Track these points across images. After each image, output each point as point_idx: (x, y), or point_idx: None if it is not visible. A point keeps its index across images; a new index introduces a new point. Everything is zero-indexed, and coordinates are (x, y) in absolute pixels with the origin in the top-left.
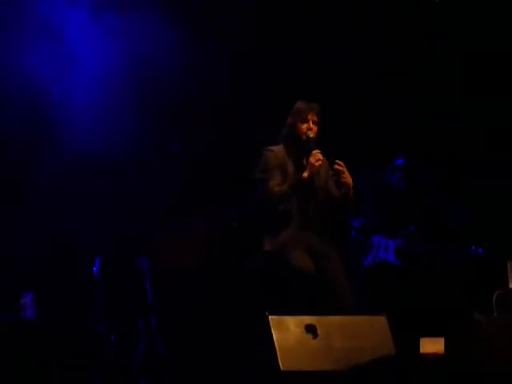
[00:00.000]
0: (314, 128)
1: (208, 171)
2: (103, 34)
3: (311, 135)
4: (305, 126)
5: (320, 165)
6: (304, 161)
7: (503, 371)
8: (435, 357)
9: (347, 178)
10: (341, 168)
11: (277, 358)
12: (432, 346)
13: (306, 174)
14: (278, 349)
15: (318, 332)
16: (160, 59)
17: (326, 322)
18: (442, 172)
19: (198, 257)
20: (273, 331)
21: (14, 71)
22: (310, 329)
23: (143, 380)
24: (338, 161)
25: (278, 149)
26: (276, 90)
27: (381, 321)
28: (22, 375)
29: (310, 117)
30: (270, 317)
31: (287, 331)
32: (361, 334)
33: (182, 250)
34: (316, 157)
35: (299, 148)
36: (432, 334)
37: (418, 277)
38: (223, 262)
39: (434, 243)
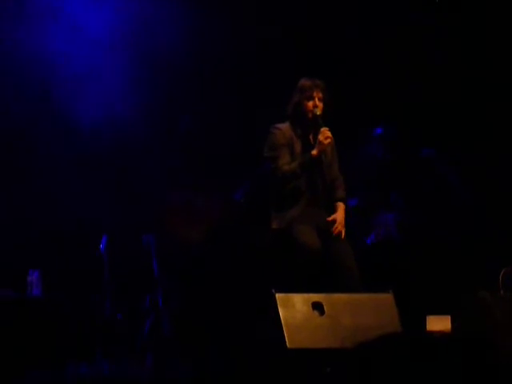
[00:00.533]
0: (320, 105)
1: (216, 147)
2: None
3: (318, 112)
4: (310, 103)
5: (329, 142)
6: (311, 138)
7: (510, 349)
8: (442, 334)
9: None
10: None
11: (283, 336)
12: (438, 323)
13: (315, 152)
14: (284, 326)
15: (325, 309)
16: (168, 33)
17: (332, 300)
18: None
19: (205, 234)
20: (279, 309)
21: (14, 46)
22: (317, 306)
23: (149, 357)
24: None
25: (285, 127)
26: (284, 66)
27: (387, 298)
28: (28, 352)
29: (315, 94)
30: (276, 294)
31: (294, 309)
32: (367, 311)
33: (189, 226)
34: (325, 134)
35: (306, 126)
36: (438, 311)
37: (421, 252)
38: (230, 240)
39: (432, 213)
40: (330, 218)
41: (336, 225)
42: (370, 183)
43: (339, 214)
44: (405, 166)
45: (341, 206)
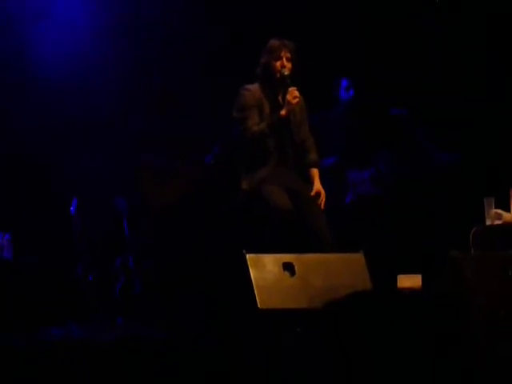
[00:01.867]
0: (288, 65)
1: (186, 110)
2: None
3: (286, 72)
4: (278, 63)
5: (297, 102)
6: (280, 99)
7: (480, 309)
8: (412, 291)
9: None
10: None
11: (254, 296)
12: (409, 282)
13: (283, 112)
14: (255, 287)
15: (296, 270)
16: None
17: (303, 260)
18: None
19: (176, 196)
20: (250, 269)
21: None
22: (288, 267)
23: (120, 318)
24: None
25: (254, 88)
26: (256, 29)
27: (358, 258)
28: None
29: (283, 54)
30: (247, 255)
31: (264, 269)
32: (338, 271)
33: (160, 188)
34: (293, 94)
35: (274, 86)
36: (409, 271)
37: (397, 209)
38: (201, 201)
39: (404, 172)
40: (313, 193)
41: (321, 198)
42: (342, 141)
43: (318, 184)
44: (376, 124)
45: (316, 174)
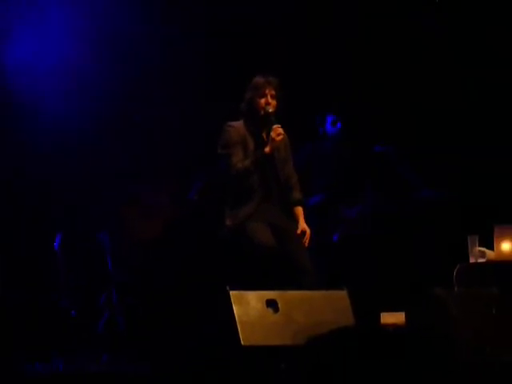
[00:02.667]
0: (273, 102)
1: (169, 145)
2: None
3: (270, 110)
4: (263, 100)
5: (281, 139)
6: (264, 136)
7: (466, 344)
8: (395, 327)
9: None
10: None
11: (238, 333)
12: (392, 319)
13: (267, 149)
14: (238, 324)
15: (279, 307)
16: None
17: (286, 297)
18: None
19: (158, 231)
20: (234, 306)
21: None
22: (271, 304)
23: (104, 354)
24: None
25: (238, 124)
26: (239, 64)
27: (342, 296)
28: None
29: (267, 91)
30: (230, 292)
31: (248, 306)
32: (322, 308)
33: (142, 224)
34: (277, 131)
35: (259, 123)
36: (393, 309)
37: (381, 246)
38: (184, 236)
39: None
40: (298, 231)
41: (306, 236)
42: (329, 175)
43: (303, 223)
44: (361, 161)
45: (300, 212)
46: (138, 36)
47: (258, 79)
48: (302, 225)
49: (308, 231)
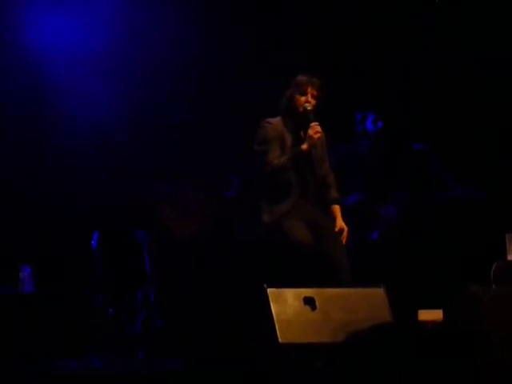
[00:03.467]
0: (313, 102)
1: (207, 142)
2: None
3: (309, 107)
4: (303, 98)
5: (319, 137)
6: (302, 133)
7: (501, 344)
8: (433, 324)
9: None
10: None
11: (275, 331)
12: (430, 316)
13: (304, 147)
14: (276, 321)
15: (317, 304)
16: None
17: (324, 295)
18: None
19: (197, 228)
20: (271, 304)
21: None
22: (309, 301)
23: (141, 353)
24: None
25: (276, 121)
26: (278, 61)
27: (379, 293)
28: (21, 349)
29: (309, 90)
30: (268, 289)
31: (286, 304)
32: (359, 306)
33: (181, 221)
34: (315, 129)
35: (297, 120)
36: (430, 306)
37: (416, 246)
38: (222, 234)
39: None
40: (337, 229)
41: (344, 235)
42: (366, 178)
43: (341, 221)
44: (399, 160)
45: (338, 210)
46: (183, 34)
47: (301, 78)
48: (340, 223)
49: (346, 229)
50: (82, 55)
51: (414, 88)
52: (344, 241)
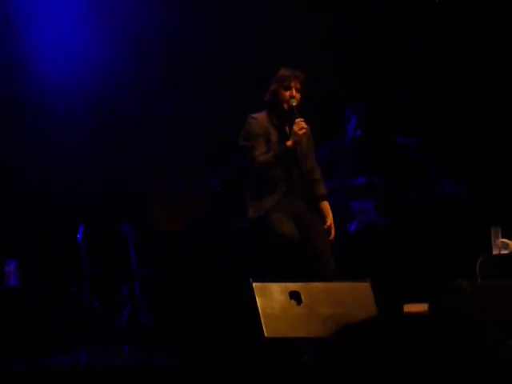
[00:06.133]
0: (297, 96)
1: (193, 137)
2: None
3: (294, 103)
4: (287, 93)
5: (304, 133)
6: (287, 129)
7: (487, 337)
8: (419, 316)
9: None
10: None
11: (261, 325)
12: (415, 310)
13: (289, 143)
14: (262, 316)
15: (302, 299)
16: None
17: (310, 289)
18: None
19: (181, 223)
20: (257, 298)
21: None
22: (294, 295)
23: (127, 347)
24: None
25: (261, 116)
26: (264, 53)
27: (365, 287)
28: (5, 343)
29: (293, 84)
30: (254, 284)
31: (271, 298)
32: (345, 300)
33: (165, 216)
34: (299, 125)
35: (282, 116)
36: (415, 300)
37: (399, 239)
38: (207, 228)
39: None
40: (326, 226)
41: (332, 232)
42: (347, 171)
43: (331, 218)
44: (382, 152)
45: (327, 207)
46: (173, 29)
47: (284, 71)
48: (330, 220)
49: (333, 227)
50: (69, 49)
51: (404, 82)
52: (331, 238)
